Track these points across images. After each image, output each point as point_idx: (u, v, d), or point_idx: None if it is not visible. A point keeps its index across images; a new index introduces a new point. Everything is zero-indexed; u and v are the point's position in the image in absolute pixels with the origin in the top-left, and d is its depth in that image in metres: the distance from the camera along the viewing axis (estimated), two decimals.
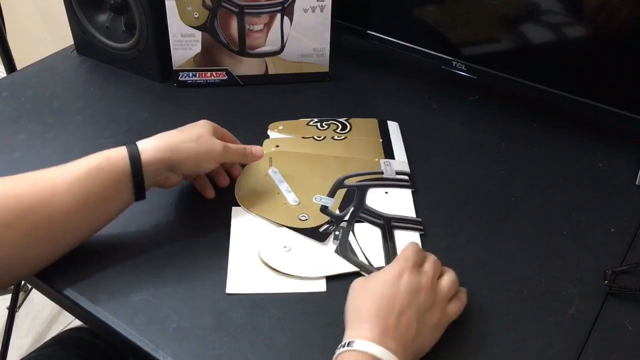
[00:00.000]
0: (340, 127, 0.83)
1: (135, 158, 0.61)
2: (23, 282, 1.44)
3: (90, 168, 0.59)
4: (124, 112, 0.86)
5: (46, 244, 0.58)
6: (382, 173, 0.75)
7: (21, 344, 1.48)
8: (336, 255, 0.64)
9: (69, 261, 0.63)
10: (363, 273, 0.62)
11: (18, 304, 1.45)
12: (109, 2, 0.89)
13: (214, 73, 0.91)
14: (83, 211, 0.59)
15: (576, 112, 0.82)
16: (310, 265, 0.63)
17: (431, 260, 0.59)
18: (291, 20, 0.87)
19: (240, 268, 0.63)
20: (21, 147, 0.80)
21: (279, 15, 0.86)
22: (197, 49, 0.88)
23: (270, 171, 0.75)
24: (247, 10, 0.85)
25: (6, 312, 1.43)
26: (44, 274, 0.62)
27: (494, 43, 0.85)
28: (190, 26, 0.85)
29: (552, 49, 0.80)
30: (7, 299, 1.44)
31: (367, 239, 0.66)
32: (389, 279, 0.55)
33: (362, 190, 0.73)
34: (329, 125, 0.83)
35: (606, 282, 0.62)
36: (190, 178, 0.70)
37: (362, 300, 0.54)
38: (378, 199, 0.72)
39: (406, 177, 0.75)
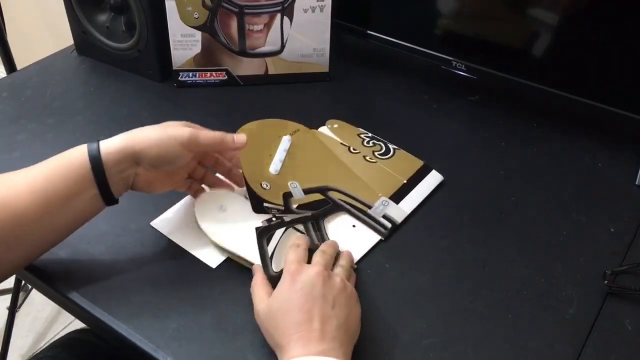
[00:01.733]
0: (383, 150, 0.79)
1: (93, 150, 0.58)
2: (23, 282, 1.44)
3: (50, 167, 0.57)
4: (124, 112, 0.86)
5: (14, 246, 0.56)
6: (369, 207, 0.70)
7: (21, 344, 1.48)
8: (253, 233, 0.64)
9: (69, 261, 0.64)
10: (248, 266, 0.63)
11: (18, 304, 1.45)
12: (109, 2, 0.89)
13: (213, 73, 0.91)
14: (46, 211, 0.56)
15: (576, 112, 0.82)
16: (226, 235, 0.64)
17: (318, 253, 0.59)
18: (291, 20, 0.87)
19: (178, 212, 0.68)
20: (21, 147, 0.80)
21: (278, 15, 0.86)
22: (197, 49, 0.88)
23: (285, 138, 0.76)
24: (247, 10, 0.85)
25: (6, 312, 1.43)
26: (44, 274, 0.62)
27: (494, 43, 0.85)
28: (190, 26, 0.85)
29: (552, 49, 0.80)
30: (7, 299, 1.44)
31: (285, 247, 0.63)
32: (286, 293, 0.54)
33: (333, 208, 0.70)
34: (374, 144, 0.80)
35: (606, 282, 0.62)
36: (173, 178, 0.65)
37: (274, 326, 0.54)
38: (339, 226, 0.68)
39: (388, 225, 0.69)
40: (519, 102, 0.90)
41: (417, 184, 0.75)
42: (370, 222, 0.69)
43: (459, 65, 0.87)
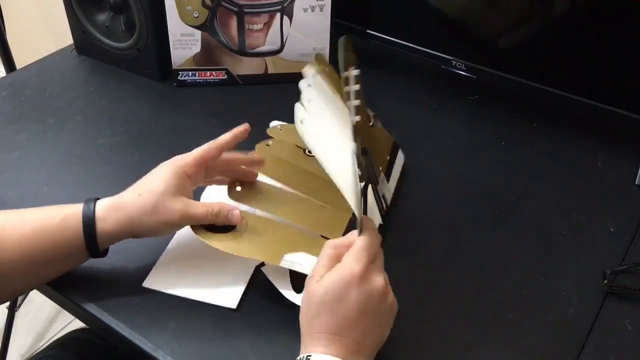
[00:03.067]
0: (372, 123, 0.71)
1: (90, 229, 0.56)
2: None
3: (42, 229, 0.56)
4: (124, 112, 0.86)
5: None
6: (377, 183, 0.66)
7: (21, 343, 1.48)
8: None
9: None
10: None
11: (18, 304, 1.45)
12: (109, 1, 0.89)
13: (213, 72, 0.90)
14: (31, 266, 0.56)
15: (576, 112, 0.82)
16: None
17: (379, 257, 0.54)
18: (291, 19, 0.87)
19: (169, 264, 0.63)
20: (21, 146, 0.80)
21: (278, 15, 0.86)
22: (197, 48, 0.88)
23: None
24: (246, 10, 0.85)
25: (6, 311, 1.43)
26: None
27: (494, 43, 0.85)
28: (190, 26, 0.85)
29: (552, 49, 0.80)
30: None
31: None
32: (345, 291, 0.50)
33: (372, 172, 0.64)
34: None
35: (606, 281, 0.62)
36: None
37: (317, 311, 0.51)
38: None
39: (384, 206, 0.66)
40: (519, 102, 0.90)
41: (394, 163, 0.72)
42: (379, 200, 0.66)
43: (459, 65, 0.87)
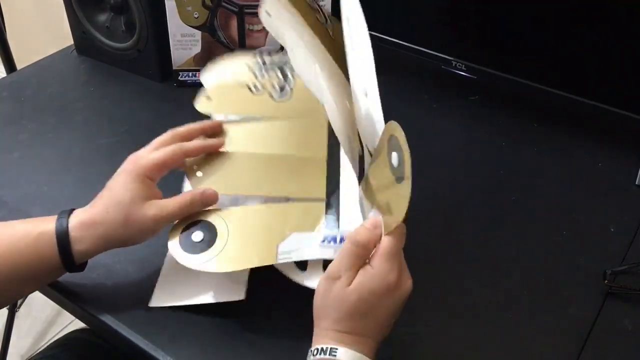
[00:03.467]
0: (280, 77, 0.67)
1: (65, 249, 0.55)
2: None
3: (17, 246, 0.55)
4: (124, 112, 0.86)
5: None
6: None
7: (21, 344, 1.48)
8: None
9: None
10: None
11: (18, 304, 1.45)
12: (109, 2, 0.89)
13: None
14: (9, 284, 0.55)
15: (576, 112, 0.82)
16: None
17: (404, 266, 0.53)
18: None
19: (169, 278, 0.61)
20: (21, 147, 0.80)
21: None
22: (197, 48, 0.88)
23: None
24: (246, 10, 0.85)
25: (6, 312, 1.43)
26: None
27: (494, 43, 0.85)
28: (190, 26, 0.85)
29: (553, 48, 0.80)
30: None
31: None
32: (376, 300, 0.49)
33: None
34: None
35: (606, 281, 0.62)
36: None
37: (338, 308, 0.49)
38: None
39: None
40: (519, 102, 0.90)
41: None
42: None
43: (459, 65, 0.87)
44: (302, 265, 0.58)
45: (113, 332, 0.58)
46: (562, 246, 0.68)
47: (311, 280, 0.56)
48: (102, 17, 0.92)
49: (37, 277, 0.57)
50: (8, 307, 1.42)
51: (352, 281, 0.49)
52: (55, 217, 0.56)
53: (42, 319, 1.55)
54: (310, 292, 0.60)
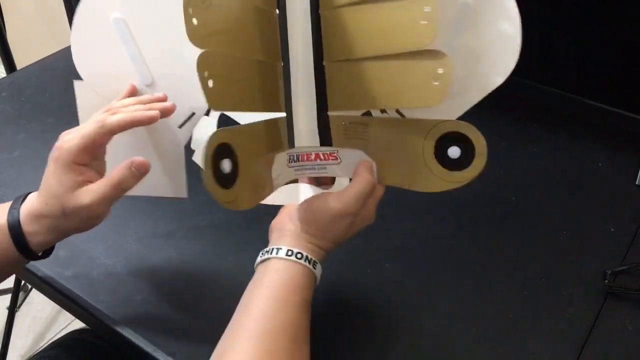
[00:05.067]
0: None
1: (21, 243, 0.54)
2: (23, 282, 1.44)
3: None
4: None
5: None
6: None
7: (21, 344, 1.48)
8: None
9: (69, 261, 0.63)
10: None
11: (18, 304, 1.45)
12: None
13: None
14: None
15: (576, 112, 0.82)
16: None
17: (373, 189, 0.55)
18: None
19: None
20: (21, 146, 0.80)
21: None
22: None
23: None
24: None
25: (6, 312, 1.43)
26: (44, 274, 0.62)
27: None
28: None
29: (552, 48, 0.80)
30: (7, 298, 1.43)
31: None
32: (337, 226, 0.54)
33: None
34: None
35: (606, 281, 0.62)
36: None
37: (324, 227, 0.54)
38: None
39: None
40: (519, 102, 0.90)
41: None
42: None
43: None
44: None
45: (113, 332, 0.58)
46: (562, 246, 0.68)
47: (281, 199, 0.59)
48: None
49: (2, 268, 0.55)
50: (8, 306, 1.42)
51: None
52: (9, 205, 0.55)
53: (42, 318, 1.55)
54: None
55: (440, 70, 0.49)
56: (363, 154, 0.55)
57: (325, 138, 0.57)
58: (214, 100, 0.50)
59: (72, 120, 0.85)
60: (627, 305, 0.62)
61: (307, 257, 0.52)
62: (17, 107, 0.87)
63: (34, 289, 1.50)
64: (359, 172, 0.55)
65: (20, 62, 1.16)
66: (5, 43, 1.33)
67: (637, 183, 0.76)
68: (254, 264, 0.64)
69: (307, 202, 0.55)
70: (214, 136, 0.50)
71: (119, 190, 0.54)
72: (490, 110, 0.89)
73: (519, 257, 0.67)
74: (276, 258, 0.53)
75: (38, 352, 0.78)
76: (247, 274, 0.63)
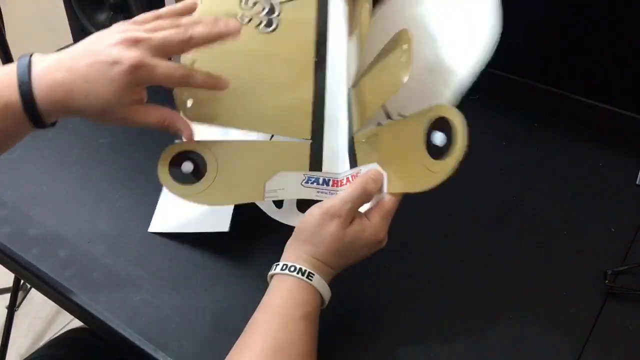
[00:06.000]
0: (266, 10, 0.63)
1: (28, 101, 0.50)
2: (22, 282, 1.44)
3: None
4: None
5: None
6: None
7: (21, 343, 1.48)
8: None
9: (69, 261, 0.63)
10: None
11: (17, 304, 1.45)
12: (109, 1, 0.89)
13: None
14: None
15: (576, 112, 0.82)
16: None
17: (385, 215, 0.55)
18: None
19: (166, 208, 0.65)
20: (21, 146, 0.79)
21: None
22: None
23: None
24: None
25: (5, 311, 1.42)
26: (44, 274, 0.62)
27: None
28: None
29: (552, 48, 0.80)
30: (6, 298, 1.43)
31: None
32: (361, 250, 0.54)
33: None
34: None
35: (607, 282, 0.62)
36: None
37: (327, 249, 0.53)
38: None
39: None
40: (519, 102, 0.90)
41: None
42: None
43: None
44: (278, 203, 0.63)
45: (113, 332, 0.58)
46: (563, 246, 0.68)
47: (287, 218, 0.62)
48: (102, 16, 0.92)
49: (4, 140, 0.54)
50: (7, 306, 1.42)
51: (348, 224, 0.53)
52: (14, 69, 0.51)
53: (42, 318, 1.55)
54: None
55: (404, 46, 0.52)
56: (376, 166, 0.56)
57: (353, 159, 0.60)
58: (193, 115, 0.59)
59: (72, 120, 0.85)
60: (628, 305, 0.62)
61: (300, 269, 0.52)
62: None
63: (33, 289, 1.50)
64: (356, 179, 0.55)
65: None
66: (5, 43, 1.33)
67: (637, 183, 0.76)
68: (254, 265, 0.65)
69: (307, 210, 0.55)
70: (174, 147, 0.59)
71: (159, 126, 0.56)
72: (490, 110, 0.89)
73: (519, 257, 0.66)
74: (276, 274, 0.54)
75: (35, 351, 0.78)
76: (247, 275, 0.63)
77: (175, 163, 0.59)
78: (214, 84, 0.57)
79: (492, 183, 0.76)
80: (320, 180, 0.60)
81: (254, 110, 0.61)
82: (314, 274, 0.52)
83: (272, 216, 0.63)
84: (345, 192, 0.53)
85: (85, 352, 0.79)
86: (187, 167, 0.59)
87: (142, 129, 0.82)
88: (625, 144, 0.83)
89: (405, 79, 0.51)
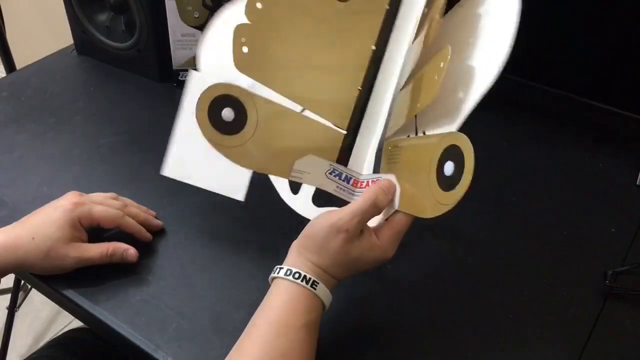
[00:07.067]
0: None
1: None
2: (23, 282, 1.44)
3: None
4: (124, 112, 0.86)
5: None
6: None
7: (21, 344, 1.48)
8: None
9: None
10: None
11: (18, 304, 1.45)
12: (109, 1, 0.89)
13: None
14: None
15: (576, 112, 0.82)
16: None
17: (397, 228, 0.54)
18: None
19: (184, 153, 0.63)
20: (21, 147, 0.80)
21: None
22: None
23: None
24: None
25: (6, 311, 1.43)
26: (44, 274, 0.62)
27: None
28: (191, 26, 0.85)
29: (552, 48, 0.80)
30: (6, 298, 1.43)
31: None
32: (366, 264, 0.53)
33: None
34: None
35: (607, 282, 0.62)
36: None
37: (333, 260, 0.52)
38: None
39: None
40: (518, 102, 0.90)
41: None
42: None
43: None
44: (295, 188, 0.61)
45: (113, 332, 0.58)
46: (563, 246, 0.68)
47: (299, 206, 0.61)
48: (102, 17, 0.92)
49: None
50: (8, 306, 1.42)
51: (356, 237, 0.52)
52: None
53: (42, 318, 1.55)
54: None
55: (441, 64, 0.50)
56: (392, 177, 0.54)
57: (378, 164, 0.58)
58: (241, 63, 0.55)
59: (72, 120, 0.85)
60: (628, 305, 0.62)
61: (305, 276, 0.51)
62: (17, 107, 0.87)
63: (33, 289, 1.50)
64: (367, 190, 0.54)
65: (20, 62, 1.16)
66: (5, 43, 1.33)
67: (638, 183, 0.76)
68: (253, 266, 0.65)
69: (316, 216, 0.54)
70: (220, 84, 0.55)
71: (103, 260, 0.61)
72: (490, 110, 0.89)
73: (519, 257, 0.66)
74: (279, 278, 0.52)
75: (36, 352, 0.78)
76: (246, 277, 0.63)
77: (215, 106, 0.56)
78: (139, 232, 0.64)
79: (492, 183, 0.76)
80: (343, 176, 0.58)
81: (301, 80, 0.59)
82: (318, 283, 0.51)
83: (286, 200, 0.61)
84: (354, 205, 0.52)
85: (85, 352, 0.79)
86: (228, 114, 0.56)
87: (142, 129, 0.83)
88: (625, 144, 0.83)
89: (433, 98, 0.50)
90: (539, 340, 0.58)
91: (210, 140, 0.56)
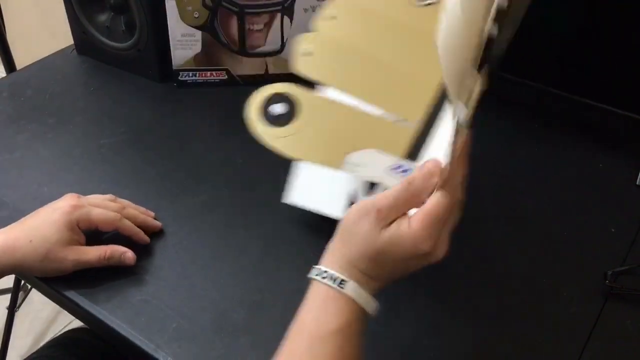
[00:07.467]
0: None
1: None
2: (23, 282, 1.44)
3: None
4: (124, 112, 0.86)
5: None
6: None
7: (21, 344, 1.48)
8: None
9: None
10: None
11: (18, 304, 1.45)
12: (109, 1, 0.89)
13: (214, 73, 0.90)
14: None
15: (577, 112, 0.82)
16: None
17: (446, 230, 0.48)
18: (291, 20, 0.87)
19: (305, 179, 0.64)
20: (21, 147, 0.80)
21: (279, 15, 0.86)
22: (197, 48, 0.88)
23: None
24: (247, 10, 0.85)
25: (6, 311, 1.43)
26: None
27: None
28: (191, 26, 0.85)
29: (552, 48, 0.80)
30: (7, 298, 1.43)
31: None
32: (401, 262, 0.46)
33: None
34: None
35: (607, 282, 0.62)
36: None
37: (364, 255, 0.46)
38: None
39: None
40: (518, 102, 0.90)
41: None
42: None
43: None
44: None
45: (113, 332, 0.58)
46: (563, 246, 0.68)
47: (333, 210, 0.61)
48: (102, 17, 0.92)
49: None
50: (8, 306, 1.42)
51: (387, 225, 0.45)
52: None
53: (42, 318, 1.55)
54: None
55: None
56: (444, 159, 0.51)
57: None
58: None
59: (72, 120, 0.85)
60: (628, 305, 0.62)
61: (331, 275, 0.46)
62: (17, 107, 0.87)
63: (34, 289, 1.50)
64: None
65: (20, 62, 1.16)
66: (5, 43, 1.33)
67: (638, 184, 0.76)
68: (253, 266, 0.65)
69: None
70: (271, 86, 0.58)
71: (101, 263, 0.61)
72: (490, 110, 0.89)
73: (519, 257, 0.66)
74: (311, 278, 0.48)
75: (35, 352, 0.78)
76: (246, 276, 0.63)
77: (267, 104, 0.57)
78: (136, 235, 0.64)
79: (492, 183, 0.76)
80: (409, 173, 0.53)
81: (371, 79, 0.56)
82: (346, 281, 0.46)
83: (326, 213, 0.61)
84: (392, 188, 0.46)
85: (85, 352, 0.79)
86: (278, 108, 0.56)
87: (142, 129, 0.83)
88: (625, 144, 0.83)
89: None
90: (539, 340, 0.58)
91: (259, 132, 0.55)
